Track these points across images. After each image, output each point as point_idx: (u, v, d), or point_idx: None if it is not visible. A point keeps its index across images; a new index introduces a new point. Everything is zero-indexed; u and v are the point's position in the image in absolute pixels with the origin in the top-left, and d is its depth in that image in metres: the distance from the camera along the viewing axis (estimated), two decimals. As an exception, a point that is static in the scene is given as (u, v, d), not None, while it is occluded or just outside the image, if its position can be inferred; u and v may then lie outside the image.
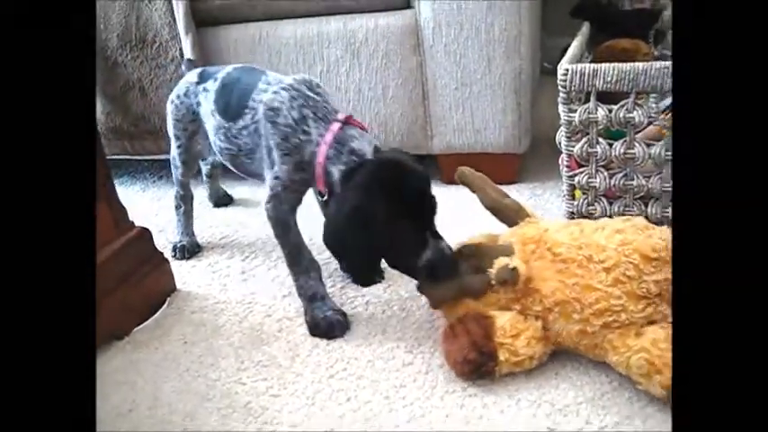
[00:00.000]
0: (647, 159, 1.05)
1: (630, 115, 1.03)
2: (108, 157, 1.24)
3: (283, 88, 1.00)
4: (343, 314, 1.01)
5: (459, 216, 1.20)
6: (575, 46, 1.23)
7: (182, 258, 1.30)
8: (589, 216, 1.13)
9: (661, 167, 1.06)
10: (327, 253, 0.98)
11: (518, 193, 1.41)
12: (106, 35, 1.51)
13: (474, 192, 0.99)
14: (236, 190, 1.63)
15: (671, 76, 0.99)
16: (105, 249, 1.02)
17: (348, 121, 0.97)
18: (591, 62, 1.22)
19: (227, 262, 1.28)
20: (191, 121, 1.19)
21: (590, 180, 1.11)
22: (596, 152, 1.08)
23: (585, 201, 1.14)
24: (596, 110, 1.05)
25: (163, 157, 1.59)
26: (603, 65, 1.03)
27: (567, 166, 1.13)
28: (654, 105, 1.03)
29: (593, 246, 0.83)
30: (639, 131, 1.07)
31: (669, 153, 1.03)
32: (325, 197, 1.00)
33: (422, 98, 1.44)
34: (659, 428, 0.75)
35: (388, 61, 1.41)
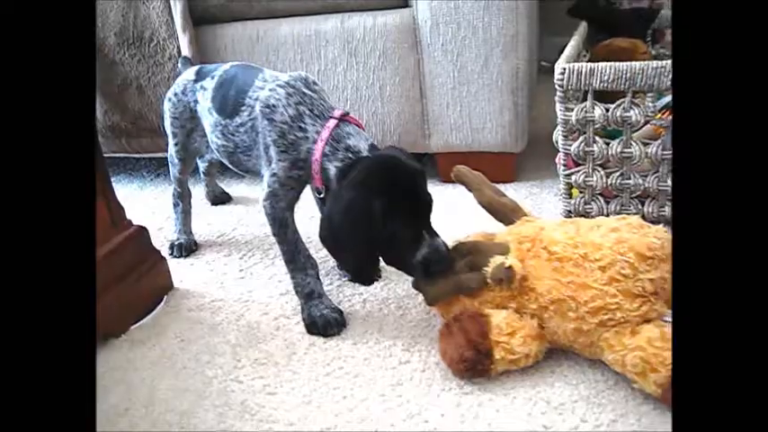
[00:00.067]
0: (644, 158, 1.05)
1: (627, 114, 1.04)
2: (105, 155, 1.24)
3: (280, 85, 1.00)
4: (340, 312, 1.01)
5: (455, 214, 1.20)
6: (572, 45, 1.23)
7: (179, 256, 1.30)
8: (586, 215, 1.13)
9: (657, 166, 1.06)
10: (325, 250, 0.98)
11: (515, 192, 1.42)
12: (104, 33, 1.51)
13: (471, 190, 0.99)
14: (233, 188, 1.63)
15: (668, 76, 0.99)
16: (102, 247, 1.02)
17: (344, 118, 0.98)
18: (588, 61, 1.22)
19: (225, 260, 1.28)
20: (188, 118, 1.19)
21: (587, 179, 1.11)
22: (593, 151, 1.08)
23: (582, 199, 1.14)
24: (593, 109, 1.06)
25: (160, 154, 1.59)
26: (600, 64, 1.03)
27: (564, 165, 1.14)
28: (651, 104, 1.03)
29: (589, 244, 0.83)
30: (636, 130, 1.08)
31: (666, 152, 1.04)
32: (322, 194, 1.00)
33: (419, 97, 1.44)
34: (654, 426, 0.75)
35: (386, 60, 1.41)
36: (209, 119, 1.11)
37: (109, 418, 0.86)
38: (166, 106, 1.21)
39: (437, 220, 0.93)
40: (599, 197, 1.13)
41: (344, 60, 1.44)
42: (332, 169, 0.94)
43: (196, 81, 1.16)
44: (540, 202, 1.38)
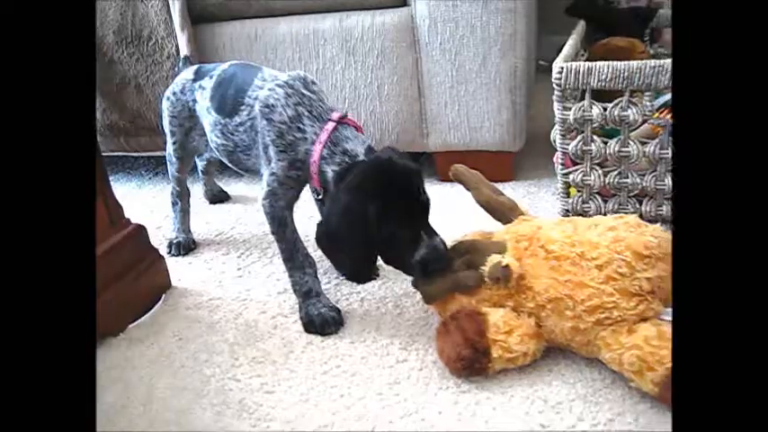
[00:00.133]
0: (642, 157, 1.06)
1: (625, 113, 1.04)
2: (104, 154, 1.24)
3: (279, 85, 1.00)
4: (338, 311, 1.02)
5: (453, 213, 1.21)
6: (570, 44, 1.23)
7: (177, 255, 1.30)
8: (584, 214, 1.14)
9: (655, 165, 1.06)
10: (322, 250, 0.98)
11: (513, 191, 1.42)
12: (102, 31, 1.51)
13: (468, 189, 1.00)
14: (232, 187, 1.63)
15: (666, 75, 0.99)
16: (101, 246, 1.02)
17: (343, 121, 0.98)
18: (586, 60, 1.22)
19: (223, 259, 1.28)
20: (186, 117, 1.19)
21: (585, 178, 1.11)
22: (591, 150, 1.09)
23: (580, 198, 1.14)
24: (591, 108, 1.06)
25: (159, 153, 1.59)
26: (598, 63, 1.03)
27: (562, 164, 1.14)
28: (648, 104, 1.03)
29: (586, 243, 0.83)
30: (634, 130, 1.08)
31: (663, 151, 1.04)
32: (320, 196, 1.00)
33: (417, 96, 1.44)
34: (652, 425, 0.76)
35: (384, 59, 1.42)
36: (208, 118, 1.11)
37: (107, 416, 0.86)
38: (165, 105, 1.22)
39: (435, 218, 0.94)
40: (597, 196, 1.13)
41: (343, 59, 1.44)
42: (329, 172, 0.95)
43: (194, 80, 1.16)
44: (538, 200, 1.38)
